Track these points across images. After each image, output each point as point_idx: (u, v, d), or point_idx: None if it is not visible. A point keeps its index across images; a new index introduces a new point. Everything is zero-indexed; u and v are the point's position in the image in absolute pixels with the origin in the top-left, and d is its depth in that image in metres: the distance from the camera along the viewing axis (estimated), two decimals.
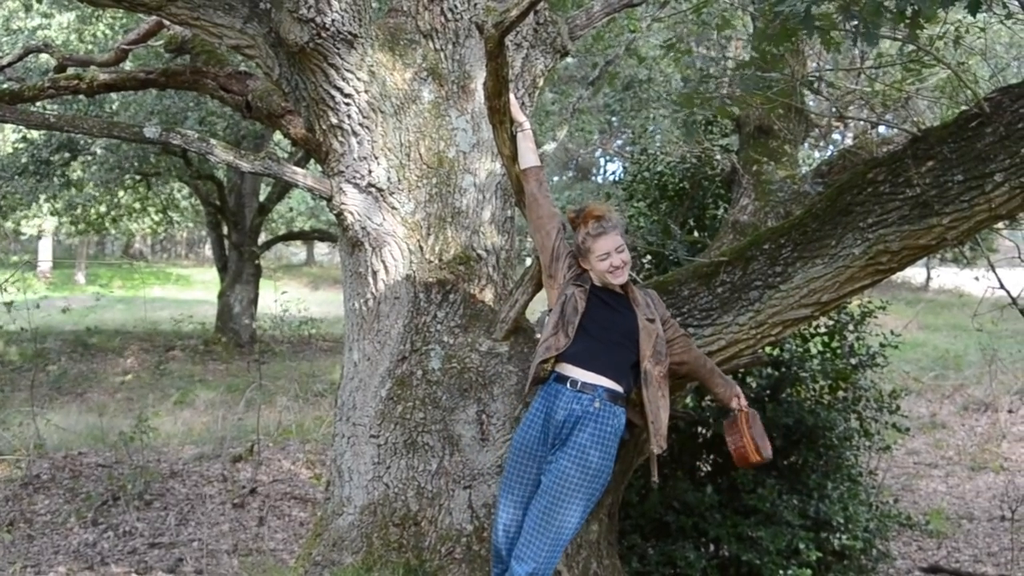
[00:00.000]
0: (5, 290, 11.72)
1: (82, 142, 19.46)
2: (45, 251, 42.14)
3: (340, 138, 5.92)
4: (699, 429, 7.98)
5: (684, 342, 5.13)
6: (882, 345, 8.33)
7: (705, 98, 5.74)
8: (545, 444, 4.97)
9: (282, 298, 16.79)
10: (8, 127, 20.45)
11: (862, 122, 9.25)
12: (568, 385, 4.92)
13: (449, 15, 6.34)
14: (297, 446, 12.75)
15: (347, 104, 5.81)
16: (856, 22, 4.37)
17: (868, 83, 7.96)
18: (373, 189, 5.97)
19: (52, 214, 23.14)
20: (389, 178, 5.99)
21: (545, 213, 5.25)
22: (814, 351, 8.20)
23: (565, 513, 4.80)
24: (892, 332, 8.54)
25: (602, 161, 40.90)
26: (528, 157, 5.29)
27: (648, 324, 4.94)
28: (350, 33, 5.63)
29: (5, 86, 8.80)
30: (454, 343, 5.95)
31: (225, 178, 23.62)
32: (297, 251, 60.07)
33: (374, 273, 6.04)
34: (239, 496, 10.65)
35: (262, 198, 24.55)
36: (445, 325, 6.01)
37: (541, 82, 6.86)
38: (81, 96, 8.44)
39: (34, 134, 19.39)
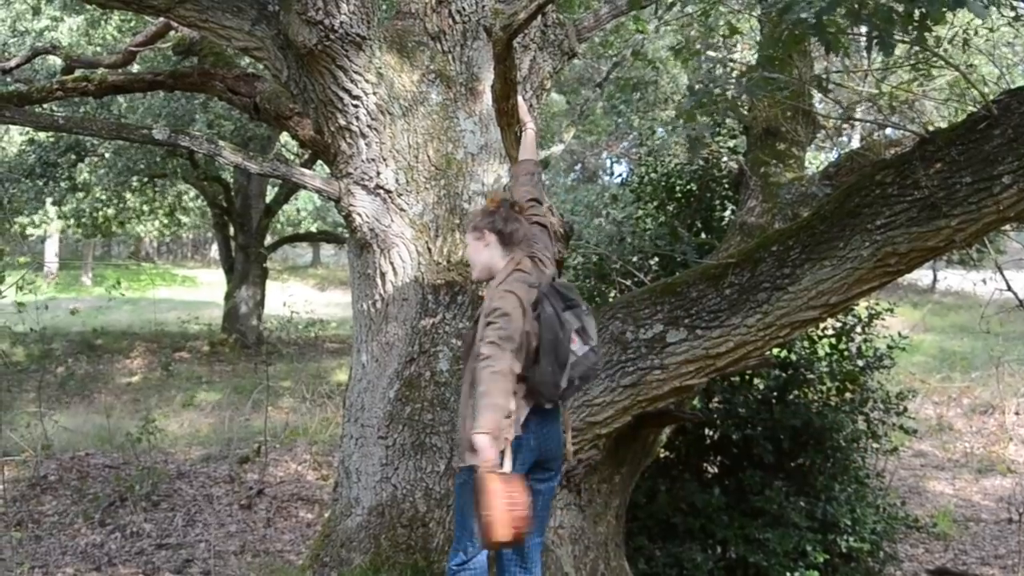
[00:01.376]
0: (20, 289, 11.74)
1: (89, 144, 19.50)
2: (51, 252, 42.23)
3: (348, 140, 5.93)
4: (706, 431, 7.98)
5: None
6: (889, 347, 8.33)
7: (709, 110, 5.73)
8: None
9: (289, 300, 16.80)
10: (15, 128, 20.48)
11: (870, 124, 9.24)
12: None
13: (457, 17, 6.35)
14: (304, 447, 12.76)
15: (355, 106, 5.82)
16: (866, 28, 4.36)
17: (875, 85, 7.96)
18: (381, 191, 5.98)
19: (59, 218, 23.15)
20: (397, 180, 6.00)
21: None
22: (822, 353, 8.19)
23: None
24: (899, 334, 8.54)
25: (609, 163, 40.90)
26: (522, 153, 5.25)
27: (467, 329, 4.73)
28: (358, 35, 5.64)
29: (13, 88, 8.82)
30: (462, 345, 5.96)
31: (231, 180, 23.65)
32: (303, 252, 60.10)
33: (382, 275, 6.05)
34: (246, 497, 10.67)
35: (268, 200, 24.56)
36: (453, 327, 6.01)
37: (549, 84, 6.87)
38: (89, 98, 8.45)
39: (41, 136, 19.45)
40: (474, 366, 4.45)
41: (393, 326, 6.07)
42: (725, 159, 8.64)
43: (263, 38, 5.97)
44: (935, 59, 6.12)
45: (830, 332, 8.31)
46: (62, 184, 20.21)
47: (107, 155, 19.87)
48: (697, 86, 5.54)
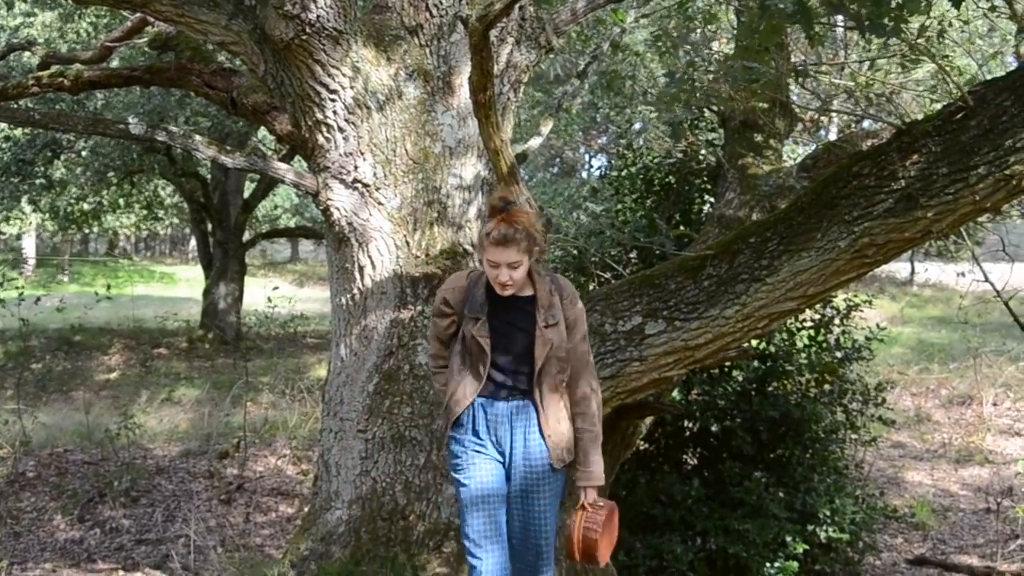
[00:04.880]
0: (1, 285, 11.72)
1: (65, 141, 19.41)
2: (28, 249, 42.01)
3: (326, 134, 5.92)
4: (686, 423, 8.00)
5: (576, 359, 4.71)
6: (868, 339, 8.37)
7: (687, 98, 5.73)
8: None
9: (273, 294, 16.80)
10: None
11: (847, 116, 9.26)
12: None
13: (434, 11, 6.34)
14: (283, 442, 12.75)
15: (332, 100, 5.82)
16: (844, 18, 4.38)
17: (852, 77, 7.98)
18: (359, 185, 5.97)
19: (35, 211, 23.03)
20: (375, 174, 6.00)
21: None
22: (800, 345, 8.22)
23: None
24: (878, 326, 8.58)
25: (587, 157, 40.97)
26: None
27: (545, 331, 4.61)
28: (335, 29, 5.64)
29: None
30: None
31: (209, 175, 23.56)
32: (282, 248, 60.00)
33: (360, 268, 6.05)
34: (226, 492, 10.65)
35: (246, 195, 24.48)
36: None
37: (526, 77, 6.87)
38: (65, 94, 8.40)
39: (16, 133, 19.33)
40: (566, 368, 4.63)
41: (371, 319, 6.07)
42: (703, 152, 8.65)
43: (240, 32, 5.95)
44: (912, 51, 6.14)
45: (809, 324, 8.34)
46: (38, 182, 20.11)
47: (84, 152, 19.78)
48: (677, 74, 5.56)
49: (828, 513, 7.68)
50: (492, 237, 4.43)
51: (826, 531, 7.66)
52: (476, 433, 4.65)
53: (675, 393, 7.53)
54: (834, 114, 9.79)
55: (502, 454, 4.66)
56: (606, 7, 7.90)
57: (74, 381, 18.38)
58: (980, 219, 6.71)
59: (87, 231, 31.11)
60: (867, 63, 8.35)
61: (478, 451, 4.64)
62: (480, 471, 4.63)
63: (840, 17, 4.67)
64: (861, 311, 8.47)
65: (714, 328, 5.29)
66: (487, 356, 4.56)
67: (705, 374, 7.83)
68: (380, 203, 6.02)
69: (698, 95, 6.01)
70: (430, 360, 4.91)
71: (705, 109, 8.35)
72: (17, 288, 12.32)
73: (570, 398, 4.68)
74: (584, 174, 40.33)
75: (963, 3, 4.28)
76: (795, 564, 7.39)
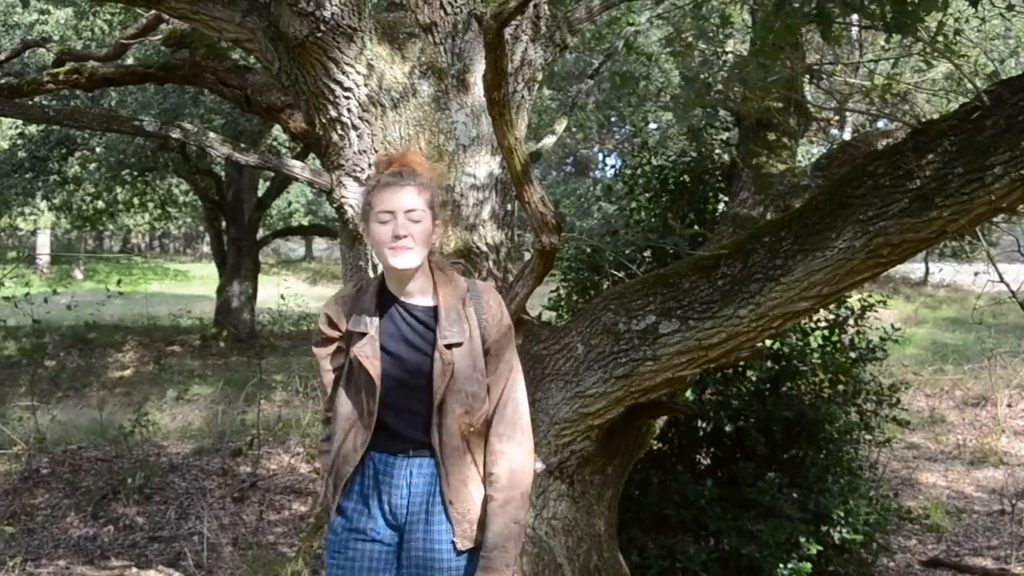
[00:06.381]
0: (3, 284, 11.75)
1: (79, 138, 19.49)
2: (43, 246, 42.16)
3: (340, 131, 5.91)
4: (699, 423, 7.98)
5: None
6: (882, 339, 8.34)
7: (705, 101, 5.71)
8: None
9: (286, 291, 16.88)
10: (6, 122, 20.46)
11: (862, 115, 9.23)
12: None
13: (448, 8, 6.33)
14: (296, 440, 12.76)
15: (347, 98, 5.80)
16: (859, 15, 4.35)
17: (867, 76, 7.96)
18: None
19: (50, 209, 23.14)
20: None
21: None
22: (814, 345, 8.20)
23: None
24: (892, 326, 8.55)
25: (600, 156, 40.95)
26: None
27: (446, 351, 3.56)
28: (349, 27, 5.62)
29: (3, 81, 8.78)
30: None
31: (223, 173, 23.63)
32: (296, 247, 60.17)
33: (374, 267, 6.03)
34: (239, 490, 10.66)
35: (260, 193, 24.53)
36: None
37: (540, 76, 6.86)
38: (80, 92, 8.40)
39: (31, 129, 19.44)
40: (477, 409, 3.58)
41: None
42: (717, 151, 8.63)
43: (254, 29, 5.95)
44: (932, 49, 6.11)
45: (823, 324, 8.31)
46: (52, 179, 20.21)
47: (98, 149, 19.87)
48: (692, 77, 5.53)
49: (842, 514, 7.65)
50: (383, 180, 3.55)
51: (840, 532, 7.63)
52: (365, 500, 3.68)
53: (688, 393, 7.51)
54: (849, 113, 9.76)
55: (397, 530, 3.66)
56: (620, 5, 7.88)
57: (88, 378, 18.46)
58: (995, 219, 6.68)
59: (101, 229, 31.23)
60: (883, 63, 8.33)
61: (358, 535, 3.73)
62: (356, 563, 3.76)
63: (856, 16, 4.63)
64: (875, 311, 8.44)
65: (728, 327, 5.27)
66: (376, 387, 3.53)
67: (719, 374, 7.80)
68: None
69: (712, 94, 5.98)
70: (320, 431, 4.03)
71: (719, 109, 8.34)
72: (26, 286, 12.38)
73: (485, 451, 3.61)
74: (597, 173, 40.33)
75: (980, 2, 4.25)
76: (808, 565, 7.36)
